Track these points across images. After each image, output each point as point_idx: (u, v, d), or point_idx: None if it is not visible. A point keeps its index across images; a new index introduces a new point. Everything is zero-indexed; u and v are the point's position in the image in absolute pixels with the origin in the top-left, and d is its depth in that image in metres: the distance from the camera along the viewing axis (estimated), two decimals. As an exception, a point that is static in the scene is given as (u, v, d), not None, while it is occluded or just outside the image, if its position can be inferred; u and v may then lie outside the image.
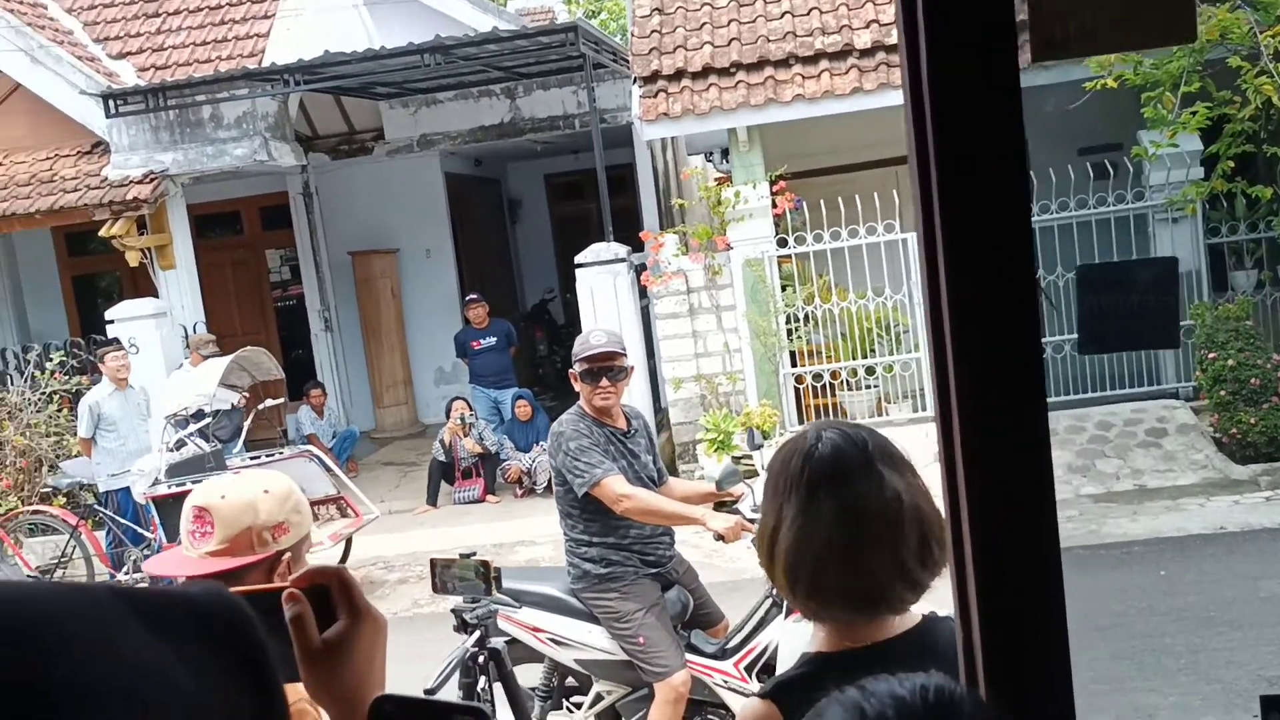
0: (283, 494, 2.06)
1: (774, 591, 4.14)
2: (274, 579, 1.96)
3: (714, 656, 4.22)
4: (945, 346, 1.03)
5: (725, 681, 4.17)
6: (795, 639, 4.08)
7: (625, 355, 4.26)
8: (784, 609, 4.09)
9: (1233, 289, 9.65)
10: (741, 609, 4.47)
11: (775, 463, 1.70)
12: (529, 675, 4.62)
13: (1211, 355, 8.53)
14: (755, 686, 4.12)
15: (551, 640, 4.25)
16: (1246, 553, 6.84)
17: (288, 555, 2.03)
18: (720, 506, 4.29)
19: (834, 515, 1.58)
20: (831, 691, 1.36)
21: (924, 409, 9.52)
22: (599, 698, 4.32)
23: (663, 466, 4.50)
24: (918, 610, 1.71)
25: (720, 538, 4.01)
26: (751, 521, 3.97)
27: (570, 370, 4.26)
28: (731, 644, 4.26)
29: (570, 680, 4.48)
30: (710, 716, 4.28)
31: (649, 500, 4.03)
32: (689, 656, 4.14)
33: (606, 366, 4.15)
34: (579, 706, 4.39)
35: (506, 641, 4.34)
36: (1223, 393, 8.44)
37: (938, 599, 1.45)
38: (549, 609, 4.26)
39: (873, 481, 1.60)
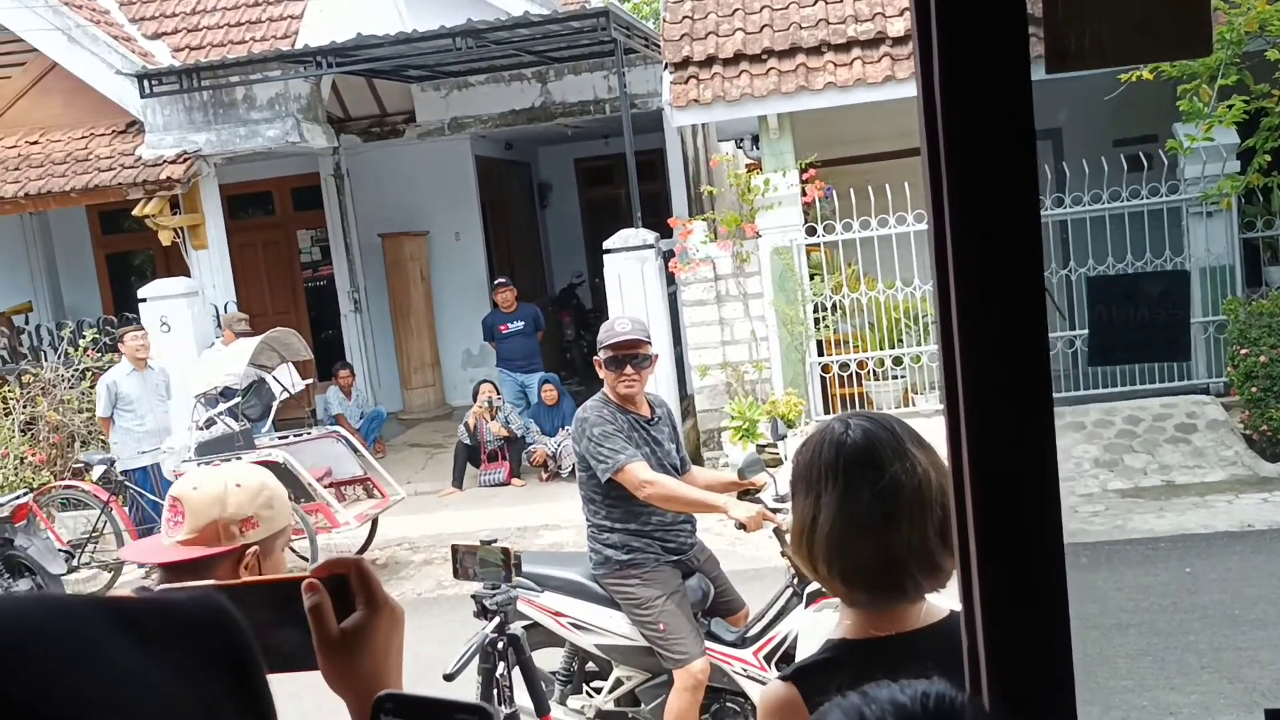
0: (254, 489, 2.06)
1: (795, 581, 4.15)
2: (241, 572, 1.98)
3: (733, 645, 4.24)
4: (953, 340, 1.03)
5: (744, 670, 4.19)
6: (815, 629, 4.09)
7: (649, 343, 4.27)
8: (804, 599, 4.09)
9: (1267, 284, 9.53)
10: (762, 598, 4.48)
11: (803, 455, 1.73)
12: (549, 660, 4.66)
13: (1244, 351, 8.44)
14: (774, 675, 4.13)
15: (573, 625, 4.28)
16: (1274, 551, 6.77)
17: (255, 549, 2.03)
18: (743, 496, 4.30)
19: (872, 497, 1.63)
20: (852, 678, 1.38)
21: (942, 400, 9.48)
22: (619, 683, 4.35)
23: (685, 455, 4.51)
24: (945, 605, 1.73)
25: (742, 526, 4.01)
26: (774, 511, 3.97)
27: (595, 357, 4.27)
28: (751, 632, 4.27)
29: (590, 665, 4.50)
30: (729, 704, 4.29)
31: (672, 487, 4.05)
32: (708, 644, 4.15)
33: (631, 354, 4.16)
34: (598, 692, 4.42)
35: (526, 625, 4.38)
36: (1254, 389, 8.35)
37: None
38: (571, 594, 4.29)
39: (906, 462, 1.65)
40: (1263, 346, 8.38)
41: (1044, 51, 1.00)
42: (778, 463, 4.72)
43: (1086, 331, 9.32)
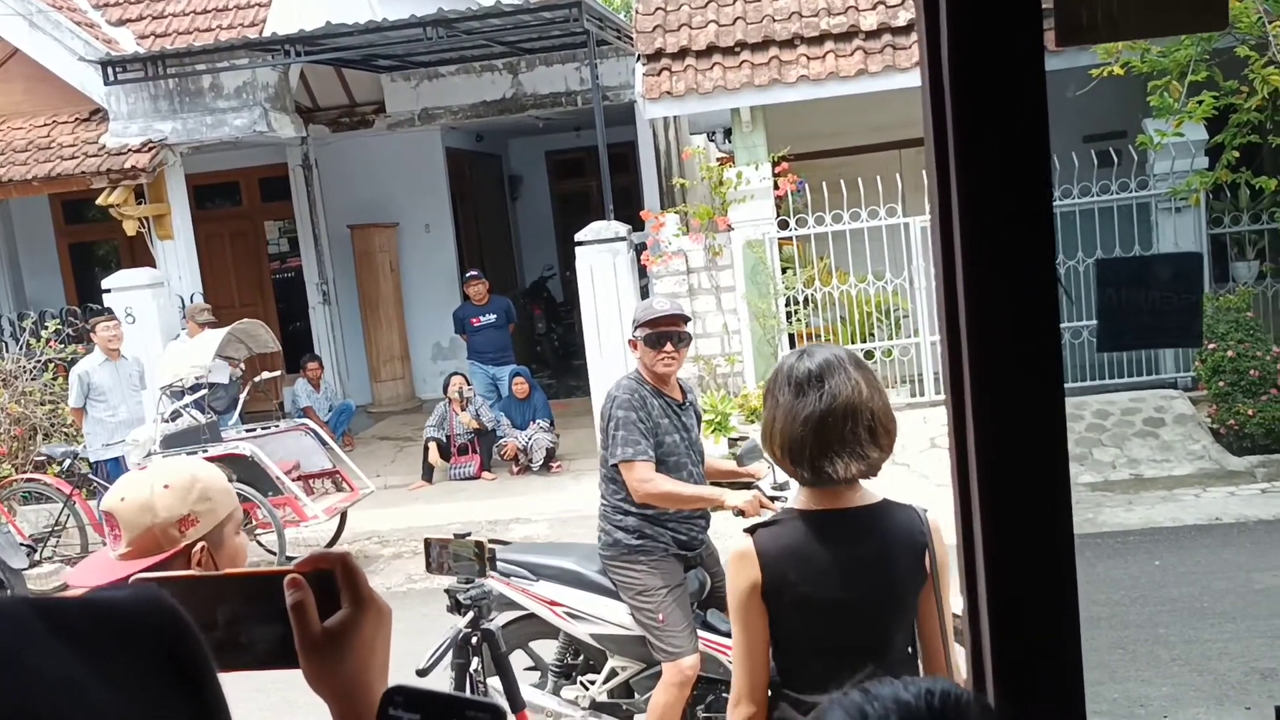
0: (184, 486, 1.98)
1: None
2: (192, 569, 1.92)
3: (729, 635, 4.20)
4: (959, 332, 1.00)
5: None
6: None
7: (689, 320, 4.20)
8: None
9: (1234, 280, 9.62)
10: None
11: (773, 376, 2.30)
12: (543, 651, 4.61)
13: (1211, 346, 8.51)
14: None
15: (568, 614, 4.22)
16: (1241, 544, 6.83)
17: (201, 545, 1.97)
18: (739, 486, 4.26)
19: (815, 401, 2.20)
20: (795, 536, 2.22)
21: (922, 394, 9.51)
22: (613, 673, 4.30)
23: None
24: (879, 494, 2.31)
25: (740, 512, 3.99)
26: (772, 499, 3.95)
27: (630, 339, 4.16)
28: None
29: (584, 656, 4.45)
30: (724, 695, 4.25)
31: (668, 486, 3.98)
32: (704, 634, 4.11)
33: (672, 331, 4.05)
34: (593, 683, 4.38)
35: (520, 616, 4.32)
36: (1221, 383, 8.42)
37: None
38: (566, 583, 4.23)
39: (843, 377, 2.21)
40: (1230, 341, 8.45)
41: (1054, 25, 0.96)
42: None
43: (1064, 324, 9.40)
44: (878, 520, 2.26)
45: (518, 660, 4.57)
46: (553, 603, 4.23)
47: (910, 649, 2.33)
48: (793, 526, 2.25)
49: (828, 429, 2.17)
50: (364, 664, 1.05)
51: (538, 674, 4.59)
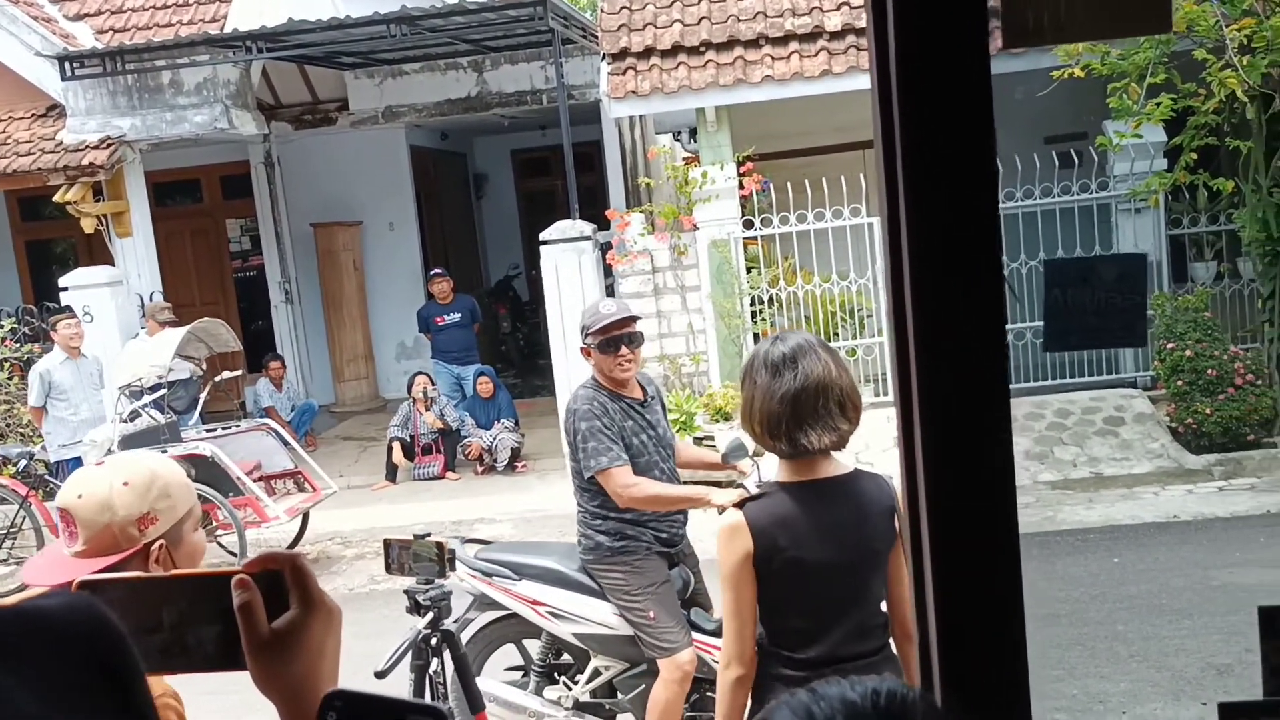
0: (143, 484, 1.93)
1: None
2: (152, 568, 1.89)
3: (713, 633, 4.18)
4: (906, 332, 1.00)
5: None
6: None
7: (639, 318, 4.13)
8: None
9: (1192, 280, 9.74)
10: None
11: (749, 360, 2.57)
12: (517, 651, 4.58)
13: (1170, 345, 8.61)
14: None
15: (551, 614, 4.19)
16: (1199, 542, 6.92)
17: (160, 544, 1.92)
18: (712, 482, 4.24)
19: (789, 380, 2.45)
20: (780, 507, 2.47)
21: (886, 393, 9.56)
22: (596, 673, 4.27)
23: (671, 430, 4.42)
24: (850, 465, 2.60)
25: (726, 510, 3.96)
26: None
27: (581, 347, 4.08)
28: None
29: (566, 656, 4.43)
30: (710, 694, 4.23)
31: (653, 489, 3.94)
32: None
33: (626, 334, 3.97)
34: (575, 683, 4.35)
35: (502, 615, 4.28)
36: (1180, 383, 8.52)
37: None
38: (549, 582, 4.19)
39: (813, 359, 2.47)
40: (1188, 341, 8.55)
41: (1001, 27, 0.96)
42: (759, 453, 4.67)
43: (1021, 325, 9.49)
44: (852, 487, 2.53)
45: (501, 659, 4.56)
46: (535, 602, 4.19)
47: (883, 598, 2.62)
48: (778, 498, 2.50)
49: (802, 405, 2.43)
50: (313, 665, 1.04)
51: (519, 674, 4.56)
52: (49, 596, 0.69)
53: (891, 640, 2.64)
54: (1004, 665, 0.99)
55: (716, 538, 2.51)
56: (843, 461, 2.59)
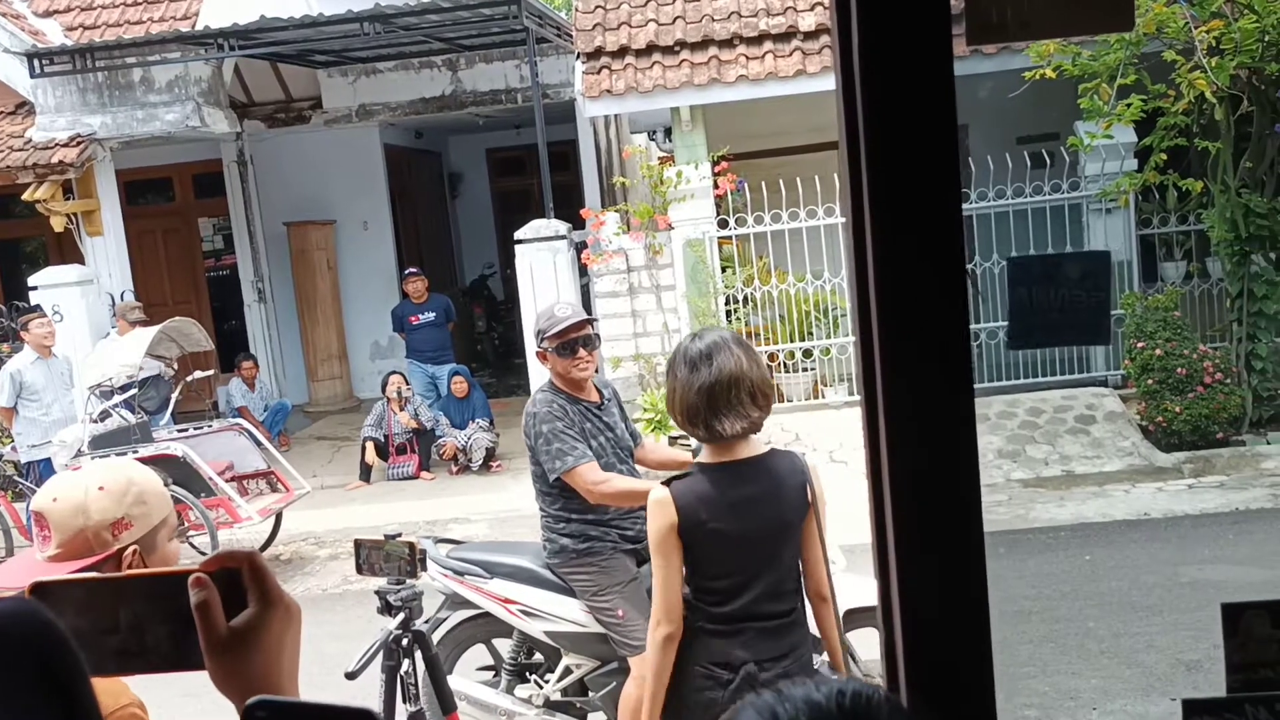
0: (119, 489, 1.93)
1: None
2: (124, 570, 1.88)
3: None
4: (871, 331, 1.00)
5: None
6: None
7: (596, 321, 4.19)
8: None
9: (1162, 280, 9.82)
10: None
11: (672, 355, 2.86)
12: (490, 650, 4.57)
13: (1140, 344, 8.68)
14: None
15: (522, 612, 4.19)
16: (1168, 539, 6.98)
17: (134, 549, 1.92)
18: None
19: (705, 373, 2.73)
20: (702, 485, 2.82)
21: (860, 393, 9.58)
22: (568, 671, 4.27)
23: (635, 429, 4.44)
24: (765, 445, 2.88)
25: None
26: None
27: (538, 350, 4.11)
28: None
29: (537, 655, 4.42)
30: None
31: (623, 485, 3.95)
32: None
33: (581, 337, 4.02)
34: (546, 682, 4.35)
35: (474, 614, 4.27)
36: (1150, 381, 8.59)
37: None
38: (521, 580, 4.19)
39: (728, 354, 2.75)
40: (1158, 340, 8.63)
41: (965, 24, 0.96)
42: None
43: (993, 324, 9.54)
44: (767, 465, 2.82)
45: (473, 659, 4.55)
46: (507, 600, 4.20)
47: (798, 564, 2.91)
48: (699, 478, 2.80)
49: (716, 396, 2.72)
50: (272, 663, 1.04)
51: (491, 673, 4.55)
52: None
53: (807, 601, 2.96)
54: (969, 665, 1.00)
55: (649, 509, 2.85)
56: (758, 442, 2.87)
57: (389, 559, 2.86)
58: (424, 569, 2.89)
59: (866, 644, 4.24)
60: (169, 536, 2.01)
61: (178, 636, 1.02)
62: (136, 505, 1.93)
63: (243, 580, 1.05)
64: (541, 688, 4.33)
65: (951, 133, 0.94)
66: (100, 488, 1.91)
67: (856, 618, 4.14)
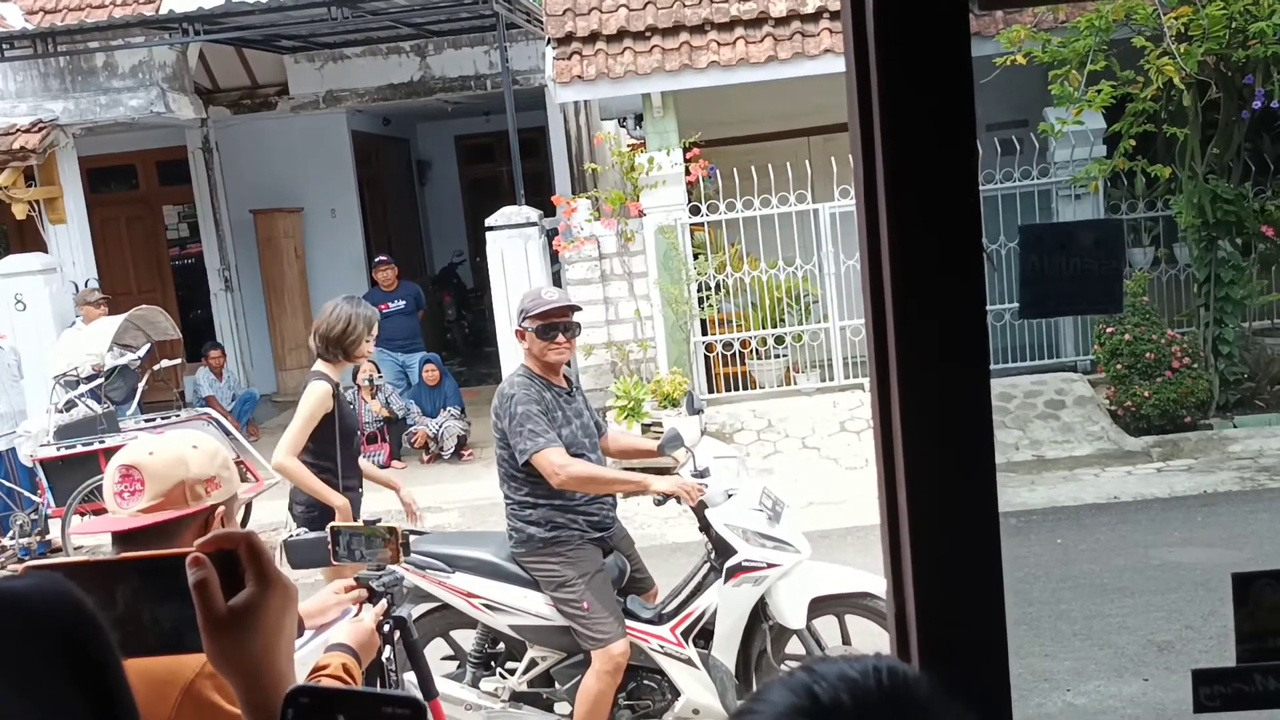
0: (211, 450, 2.08)
1: (712, 556, 4.14)
2: (215, 528, 1.97)
3: (650, 621, 4.19)
4: (885, 312, 0.99)
5: (662, 647, 4.15)
6: (734, 603, 4.08)
7: (579, 309, 4.25)
8: (723, 573, 4.07)
9: (1130, 265, 9.89)
10: (674, 575, 4.46)
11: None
12: (461, 639, 4.55)
13: (1109, 330, 8.76)
14: (692, 651, 4.12)
15: (485, 606, 4.18)
16: (1138, 522, 7.05)
17: (221, 510, 2.04)
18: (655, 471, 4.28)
19: None
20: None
21: (831, 379, 9.62)
22: (533, 664, 4.27)
23: (599, 419, 4.46)
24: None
25: (667, 498, 4.00)
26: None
27: (517, 328, 4.15)
28: (669, 609, 4.24)
29: (502, 647, 4.41)
30: (646, 682, 4.24)
31: (588, 470, 3.97)
32: (626, 622, 4.10)
33: (564, 322, 4.08)
34: (512, 673, 4.33)
35: (436, 607, 4.25)
36: (1119, 366, 8.67)
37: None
38: (484, 574, 4.19)
39: None
40: (1127, 325, 8.70)
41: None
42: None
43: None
44: None
45: (435, 650, 4.52)
46: (470, 595, 4.18)
47: None
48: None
49: None
50: (270, 643, 1.04)
51: (455, 665, 4.53)
52: (19, 578, 0.66)
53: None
54: (983, 641, 0.99)
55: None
56: None
57: (370, 545, 2.83)
58: (407, 554, 2.87)
59: (830, 630, 4.27)
60: (237, 509, 2.15)
61: (177, 617, 1.01)
62: (224, 469, 2.06)
63: (240, 560, 1.04)
64: (506, 680, 4.32)
65: (969, 109, 0.92)
66: (194, 446, 2.05)
67: (822, 605, 4.16)
